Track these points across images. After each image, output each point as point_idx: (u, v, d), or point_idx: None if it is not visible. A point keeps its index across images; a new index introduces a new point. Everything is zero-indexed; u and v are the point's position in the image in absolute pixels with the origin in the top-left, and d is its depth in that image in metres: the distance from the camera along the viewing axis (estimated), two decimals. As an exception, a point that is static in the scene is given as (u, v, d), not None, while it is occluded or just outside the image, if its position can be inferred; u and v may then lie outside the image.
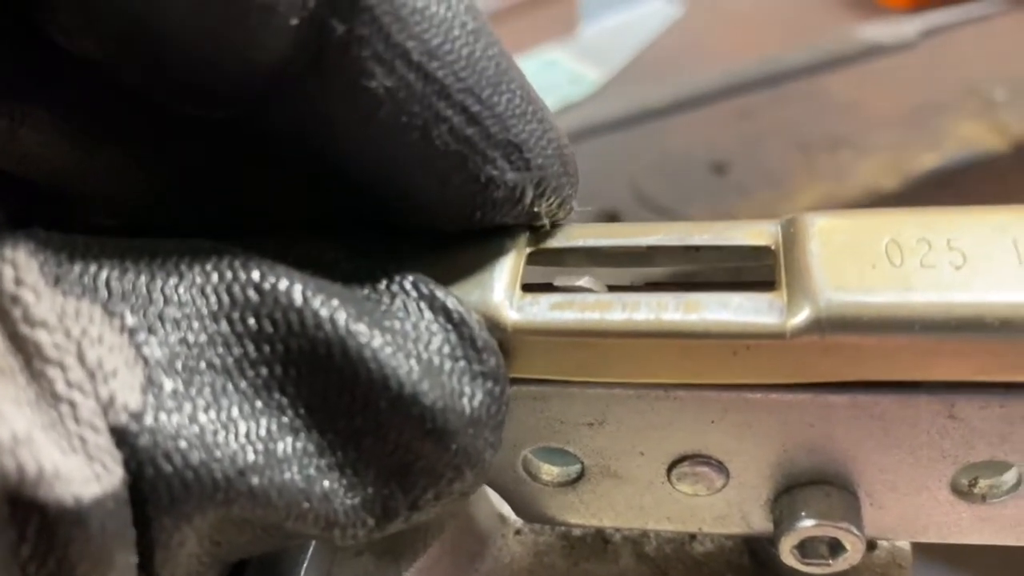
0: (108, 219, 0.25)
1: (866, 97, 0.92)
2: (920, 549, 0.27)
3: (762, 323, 0.20)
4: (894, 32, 1.00)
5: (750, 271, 0.23)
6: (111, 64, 0.19)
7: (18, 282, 0.16)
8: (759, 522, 0.24)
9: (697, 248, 0.22)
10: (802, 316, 0.19)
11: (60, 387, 0.15)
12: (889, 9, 1.04)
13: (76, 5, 0.17)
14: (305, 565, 0.23)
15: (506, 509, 0.27)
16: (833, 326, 0.19)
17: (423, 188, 0.20)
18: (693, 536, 0.27)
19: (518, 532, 0.28)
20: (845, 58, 0.98)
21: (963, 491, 0.23)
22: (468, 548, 0.27)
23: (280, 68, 0.18)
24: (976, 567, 0.72)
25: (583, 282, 0.22)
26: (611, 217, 0.77)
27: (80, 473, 0.15)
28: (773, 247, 0.21)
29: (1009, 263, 0.19)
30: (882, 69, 0.96)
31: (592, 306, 0.20)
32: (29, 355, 0.15)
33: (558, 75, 1.00)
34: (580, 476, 0.24)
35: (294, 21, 0.17)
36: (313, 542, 0.24)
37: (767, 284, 0.21)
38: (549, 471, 0.25)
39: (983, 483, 0.23)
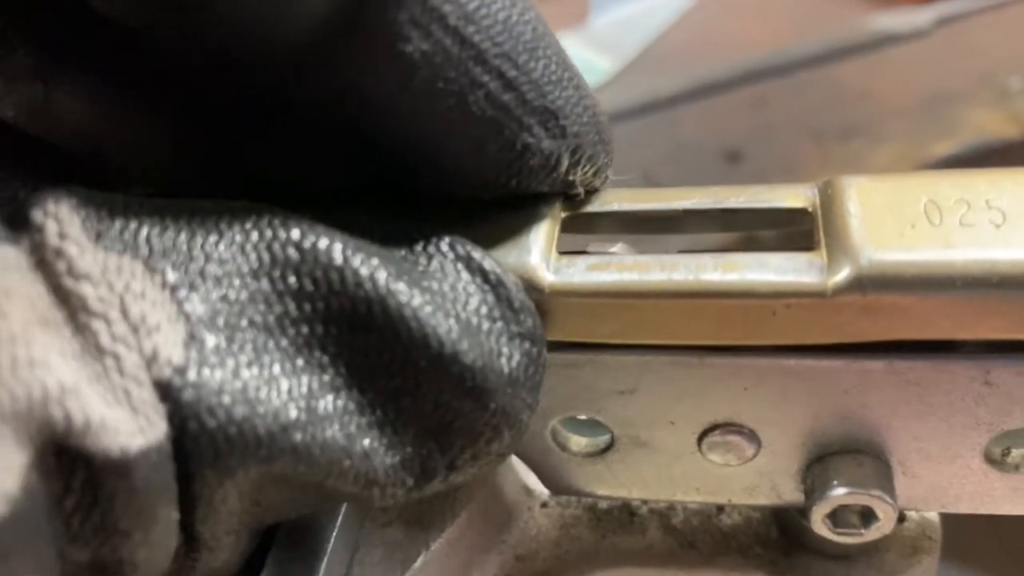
0: (141, 187, 0.25)
1: (879, 86, 0.91)
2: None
3: (803, 282, 0.20)
4: (907, 20, 0.99)
5: (783, 239, 0.23)
6: (147, 29, 0.19)
7: (62, 236, 0.16)
8: (789, 493, 0.24)
9: (733, 211, 0.22)
10: (843, 274, 0.19)
11: (104, 340, 0.15)
12: (902, -3, 1.03)
13: None
14: (334, 535, 0.23)
15: (533, 481, 0.27)
16: (875, 284, 0.19)
17: (458, 155, 0.20)
18: (721, 508, 0.27)
19: (544, 504, 0.28)
20: (858, 47, 0.97)
21: (996, 460, 0.23)
22: (495, 520, 0.27)
23: (317, 32, 0.18)
24: (987, 564, 0.72)
25: (616, 249, 0.22)
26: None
27: (125, 425, 0.15)
28: (810, 209, 0.21)
29: None
30: (895, 58, 0.96)
31: (630, 267, 0.20)
32: (74, 308, 0.15)
33: (570, 64, 1.00)
34: (609, 446, 0.24)
35: None
36: (341, 512, 0.24)
37: (804, 247, 0.20)
38: (578, 441, 0.25)
39: (1016, 452, 0.23)
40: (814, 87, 0.93)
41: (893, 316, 0.20)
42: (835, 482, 0.22)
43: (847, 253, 0.19)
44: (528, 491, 0.28)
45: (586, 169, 0.21)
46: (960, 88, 0.88)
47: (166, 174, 0.23)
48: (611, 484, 0.25)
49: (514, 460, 0.26)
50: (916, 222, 0.20)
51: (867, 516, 0.23)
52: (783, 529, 0.27)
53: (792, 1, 1.09)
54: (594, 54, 1.02)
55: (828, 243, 0.20)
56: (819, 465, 0.23)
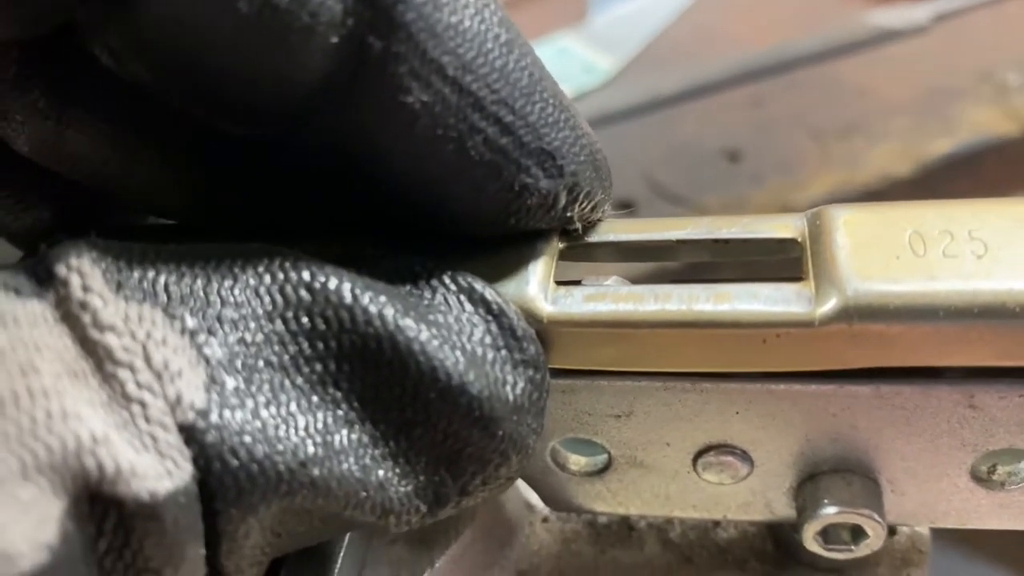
0: (147, 217, 0.26)
1: (879, 83, 0.92)
2: (936, 532, 0.27)
3: (791, 312, 0.20)
4: (906, 17, 1.00)
5: (772, 266, 0.23)
6: (155, 86, 0.20)
7: (85, 289, 0.16)
8: (782, 509, 0.25)
9: (726, 241, 0.23)
10: (830, 305, 0.20)
11: (131, 388, 0.16)
12: (901, -7, 1.03)
13: (126, 33, 0.18)
14: (342, 554, 0.24)
15: (534, 497, 0.28)
16: (861, 314, 0.20)
17: (458, 197, 0.21)
18: (717, 523, 0.28)
19: (545, 520, 0.29)
20: (857, 44, 0.97)
21: (982, 478, 0.23)
22: (497, 536, 0.28)
23: (320, 85, 0.18)
24: (992, 550, 0.72)
25: (611, 281, 0.22)
26: (625, 206, 0.77)
27: (153, 470, 0.16)
28: (799, 239, 0.22)
29: None
30: (894, 54, 0.96)
31: (625, 298, 0.21)
32: (100, 359, 0.16)
33: (571, 63, 1.01)
34: (607, 466, 0.25)
35: (334, 39, 0.18)
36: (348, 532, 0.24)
37: (793, 277, 0.21)
38: (577, 461, 0.26)
39: (1002, 470, 0.24)
40: (813, 85, 0.93)
41: (879, 345, 0.20)
42: (825, 501, 0.23)
43: (834, 284, 0.20)
44: (529, 507, 0.28)
45: (583, 205, 0.22)
46: (959, 85, 0.89)
47: (174, 206, 0.24)
48: (609, 502, 0.26)
49: (516, 478, 0.27)
50: (901, 253, 0.20)
51: (857, 533, 0.24)
52: (778, 543, 0.28)
53: (791, -2, 1.10)
54: (593, 53, 1.02)
55: (816, 274, 0.21)
56: (810, 484, 0.24)
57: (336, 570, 0.24)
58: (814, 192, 0.79)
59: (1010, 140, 0.82)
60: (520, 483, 0.27)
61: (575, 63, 1.01)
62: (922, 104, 0.87)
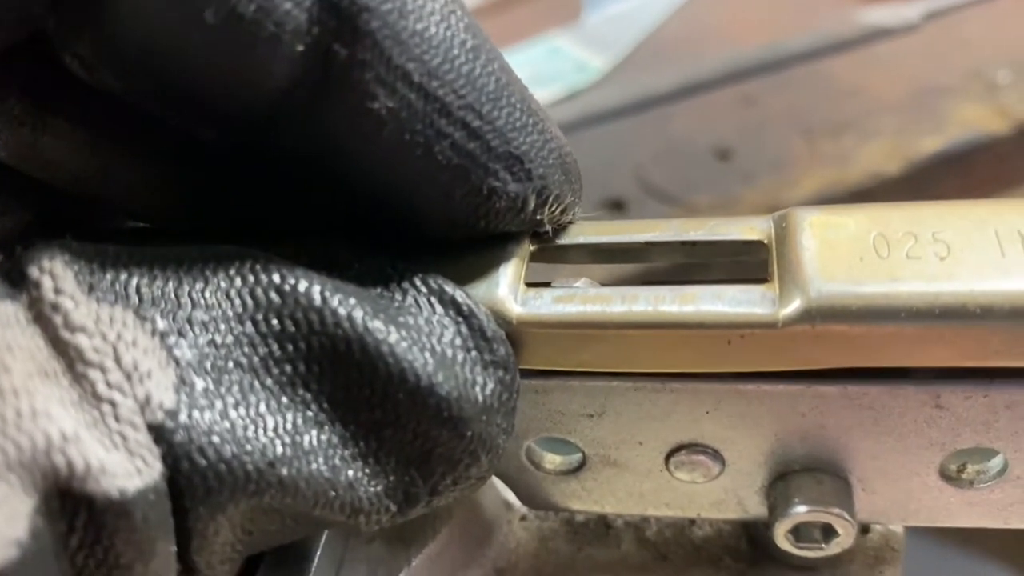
0: (126, 221, 0.26)
1: (869, 81, 0.92)
2: (932, 528, 0.28)
3: (755, 313, 0.21)
4: (897, 15, 1.00)
5: (743, 267, 0.24)
6: (125, 93, 0.20)
7: (57, 291, 0.17)
8: (755, 507, 0.25)
9: (693, 243, 0.23)
10: (793, 306, 0.20)
11: (101, 388, 0.16)
12: (892, -8, 1.04)
13: (95, 43, 0.18)
14: (319, 552, 0.24)
15: (511, 496, 0.28)
16: (823, 316, 0.20)
17: (427, 201, 0.21)
18: (692, 521, 0.29)
19: (523, 518, 0.29)
20: (848, 42, 0.98)
21: (951, 476, 0.24)
22: (475, 534, 0.28)
23: (287, 93, 0.19)
24: (977, 543, 0.73)
25: (580, 283, 0.23)
26: (616, 205, 0.78)
27: (123, 468, 0.16)
28: (765, 241, 0.22)
29: (991, 254, 0.20)
30: (885, 53, 0.96)
31: (593, 299, 0.21)
32: (71, 359, 0.16)
33: (563, 62, 1.01)
34: (581, 465, 0.25)
35: (299, 48, 0.18)
36: (326, 530, 0.25)
37: (759, 279, 0.21)
38: (552, 460, 0.26)
39: (971, 469, 0.24)
40: (804, 83, 0.94)
41: (843, 345, 0.21)
42: (796, 500, 0.24)
43: (798, 285, 0.21)
44: (507, 505, 0.29)
45: (553, 208, 0.22)
46: (949, 82, 0.89)
47: (152, 210, 0.24)
48: (585, 500, 0.26)
49: (493, 477, 0.27)
50: (865, 255, 0.21)
51: (828, 531, 0.24)
52: (752, 541, 0.28)
53: (783, -4, 1.10)
54: (585, 52, 1.03)
55: (781, 275, 0.21)
56: (781, 483, 0.24)
57: (313, 568, 0.24)
58: (804, 190, 0.80)
59: (1000, 138, 0.83)
60: (497, 482, 0.27)
61: (567, 62, 1.01)
62: (913, 102, 0.87)
